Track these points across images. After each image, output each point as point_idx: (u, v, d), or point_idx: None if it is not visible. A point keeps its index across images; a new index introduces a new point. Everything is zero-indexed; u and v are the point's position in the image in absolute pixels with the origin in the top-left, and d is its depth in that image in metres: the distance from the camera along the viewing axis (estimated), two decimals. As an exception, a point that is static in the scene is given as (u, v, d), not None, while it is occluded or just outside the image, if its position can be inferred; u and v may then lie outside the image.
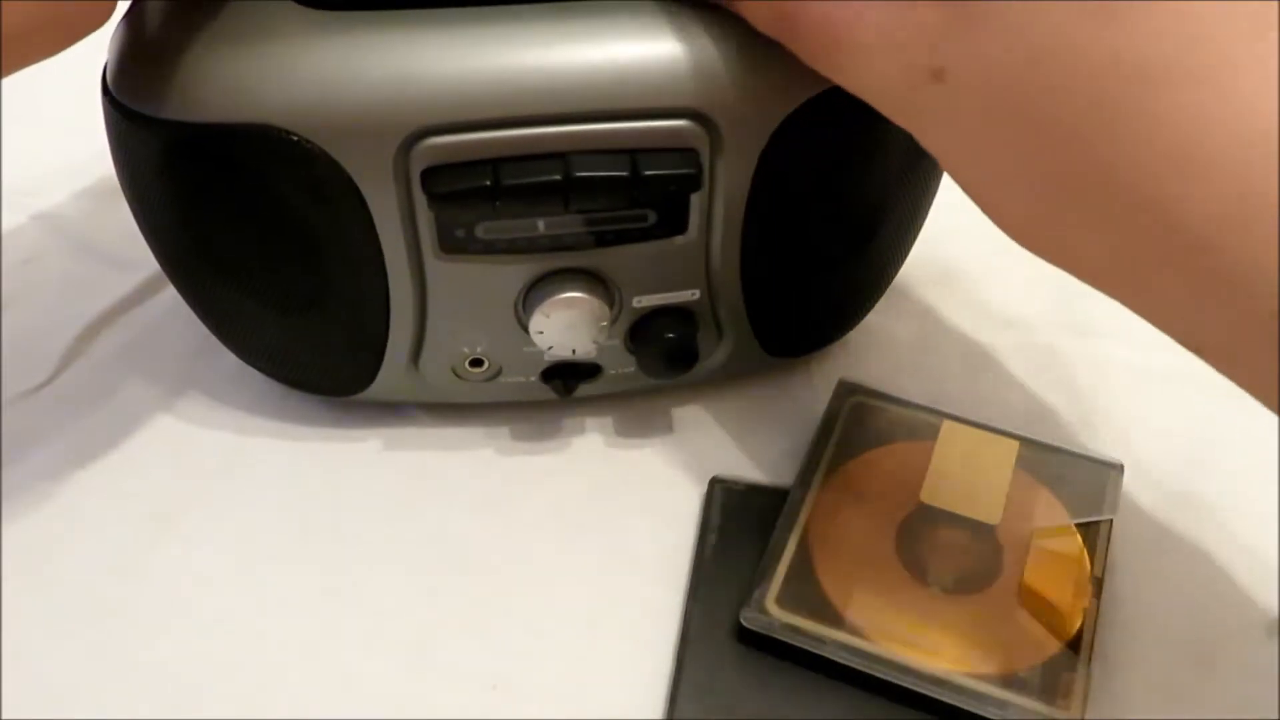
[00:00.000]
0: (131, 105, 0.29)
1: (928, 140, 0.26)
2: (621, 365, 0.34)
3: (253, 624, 0.31)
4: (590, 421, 0.36)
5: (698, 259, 0.32)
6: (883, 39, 0.24)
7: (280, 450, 0.35)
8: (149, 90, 0.28)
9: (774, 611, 0.30)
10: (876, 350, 0.38)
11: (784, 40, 0.27)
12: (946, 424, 0.34)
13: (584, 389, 0.35)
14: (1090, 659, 0.29)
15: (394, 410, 0.36)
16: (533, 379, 0.34)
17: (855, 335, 0.39)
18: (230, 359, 0.36)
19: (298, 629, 0.31)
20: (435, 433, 0.36)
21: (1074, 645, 0.29)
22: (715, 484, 0.33)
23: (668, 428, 0.36)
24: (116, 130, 0.30)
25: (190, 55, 0.28)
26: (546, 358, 0.33)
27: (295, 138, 0.28)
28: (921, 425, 0.34)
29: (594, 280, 0.32)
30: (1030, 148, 0.24)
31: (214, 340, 0.35)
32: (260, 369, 0.35)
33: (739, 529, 0.32)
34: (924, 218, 0.36)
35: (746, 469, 0.34)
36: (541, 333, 0.32)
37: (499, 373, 0.34)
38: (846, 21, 0.25)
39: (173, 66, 0.28)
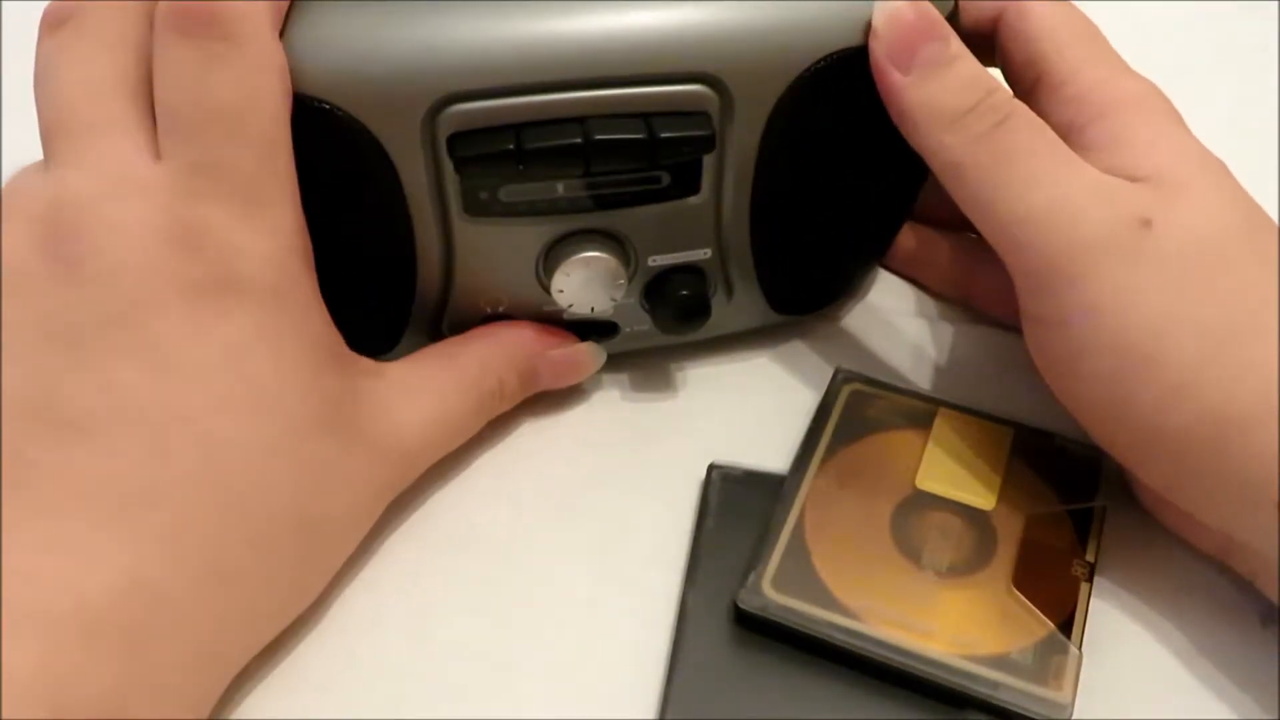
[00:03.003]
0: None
1: (1110, 277, 0.29)
2: (637, 323, 0.36)
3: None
4: (607, 378, 0.37)
5: (709, 219, 0.33)
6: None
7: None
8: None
9: (770, 594, 0.30)
10: (874, 338, 0.39)
11: None
12: (942, 411, 0.35)
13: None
14: (1082, 642, 0.30)
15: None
16: (551, 338, 0.36)
17: (853, 321, 0.40)
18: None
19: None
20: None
21: (1066, 629, 0.30)
22: (713, 470, 0.34)
23: (673, 403, 0.37)
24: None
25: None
26: (565, 316, 0.35)
27: (326, 105, 0.29)
28: (917, 412, 0.35)
29: (611, 240, 0.33)
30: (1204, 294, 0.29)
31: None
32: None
33: (736, 514, 0.33)
34: (923, 182, 0.37)
35: (745, 455, 0.34)
36: (562, 291, 0.33)
37: (519, 332, 0.35)
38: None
39: (209, 39, 0.29)
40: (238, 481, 0.27)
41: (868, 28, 0.31)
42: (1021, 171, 0.30)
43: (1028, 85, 0.33)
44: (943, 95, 0.30)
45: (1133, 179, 0.30)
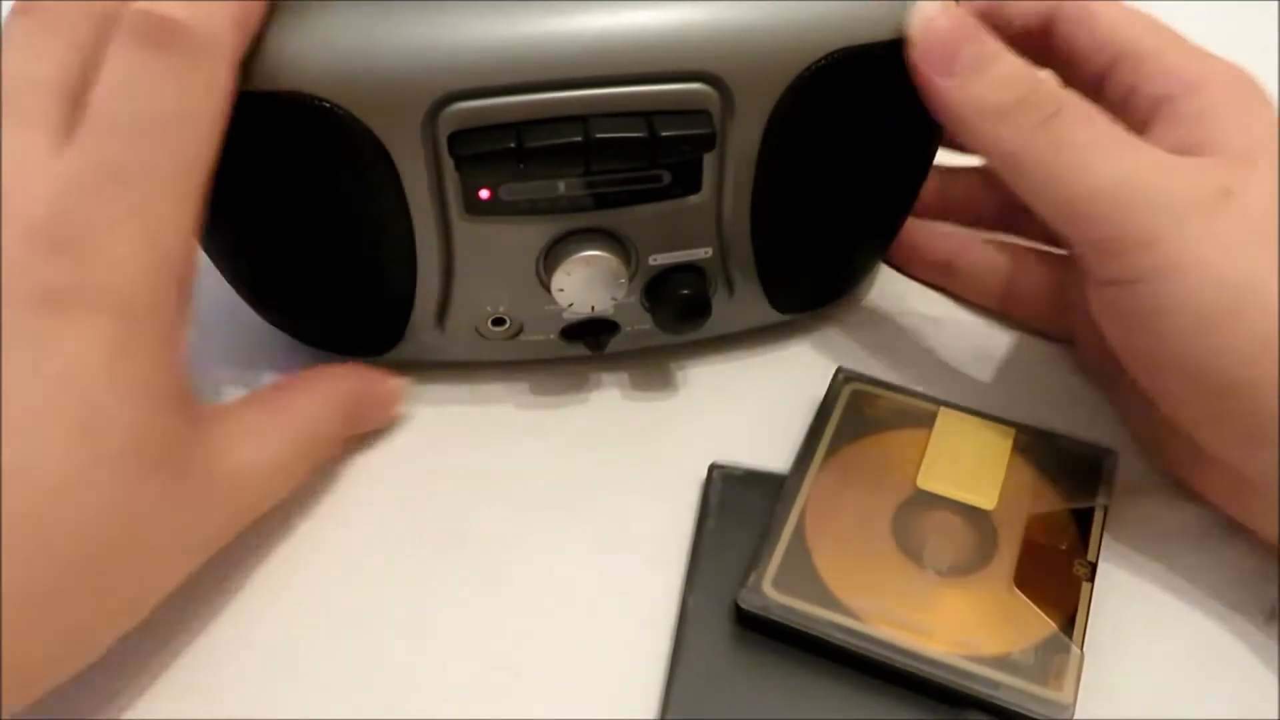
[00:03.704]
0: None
1: (1193, 234, 0.29)
2: (637, 322, 0.36)
3: (258, 599, 0.32)
4: (607, 377, 0.37)
5: (710, 218, 0.33)
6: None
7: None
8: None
9: (771, 594, 0.30)
10: (874, 338, 0.39)
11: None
12: (943, 411, 0.35)
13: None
14: (1083, 642, 0.29)
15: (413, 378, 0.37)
16: (553, 337, 0.36)
17: (856, 320, 0.39)
18: (252, 331, 0.36)
19: (305, 602, 0.32)
20: (442, 407, 0.36)
21: (1067, 629, 0.30)
22: (714, 469, 0.34)
23: (674, 403, 0.37)
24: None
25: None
26: (566, 315, 0.35)
27: (328, 104, 0.29)
28: (918, 412, 0.35)
29: (612, 239, 0.33)
30: None
31: (236, 313, 0.36)
32: (289, 331, 0.36)
33: (737, 514, 0.33)
34: (923, 180, 0.37)
35: (745, 455, 0.34)
36: (563, 290, 0.33)
37: (520, 331, 0.35)
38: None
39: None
40: (36, 506, 0.25)
41: (868, 27, 0.31)
42: (1081, 156, 0.30)
43: (1099, 67, 0.33)
44: (989, 93, 0.30)
45: (1217, 153, 0.30)
